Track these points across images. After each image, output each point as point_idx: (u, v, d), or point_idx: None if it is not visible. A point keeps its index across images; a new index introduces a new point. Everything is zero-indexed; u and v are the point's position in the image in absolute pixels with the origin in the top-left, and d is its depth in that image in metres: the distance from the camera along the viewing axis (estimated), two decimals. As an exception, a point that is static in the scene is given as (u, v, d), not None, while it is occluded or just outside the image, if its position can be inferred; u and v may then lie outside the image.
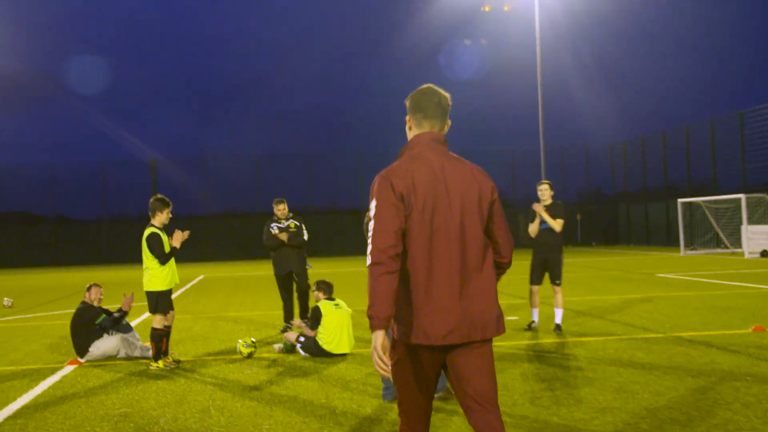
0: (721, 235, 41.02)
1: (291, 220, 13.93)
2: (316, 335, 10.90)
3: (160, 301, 10.34)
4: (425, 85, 4.41)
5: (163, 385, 9.31)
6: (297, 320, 11.74)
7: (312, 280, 12.38)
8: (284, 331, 13.56)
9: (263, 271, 32.66)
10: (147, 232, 10.42)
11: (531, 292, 13.05)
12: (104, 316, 11.29)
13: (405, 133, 4.46)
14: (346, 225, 51.00)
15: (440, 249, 4.05)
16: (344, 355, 10.86)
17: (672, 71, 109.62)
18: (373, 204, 4.07)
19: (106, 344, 11.20)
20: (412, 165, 4.14)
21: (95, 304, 11.50)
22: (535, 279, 12.97)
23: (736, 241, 39.42)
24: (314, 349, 10.85)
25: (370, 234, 4.00)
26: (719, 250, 40.49)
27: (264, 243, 13.98)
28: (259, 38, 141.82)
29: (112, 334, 11.43)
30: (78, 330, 11.22)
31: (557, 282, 12.73)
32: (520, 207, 51.72)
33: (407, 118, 4.40)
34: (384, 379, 8.04)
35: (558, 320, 12.66)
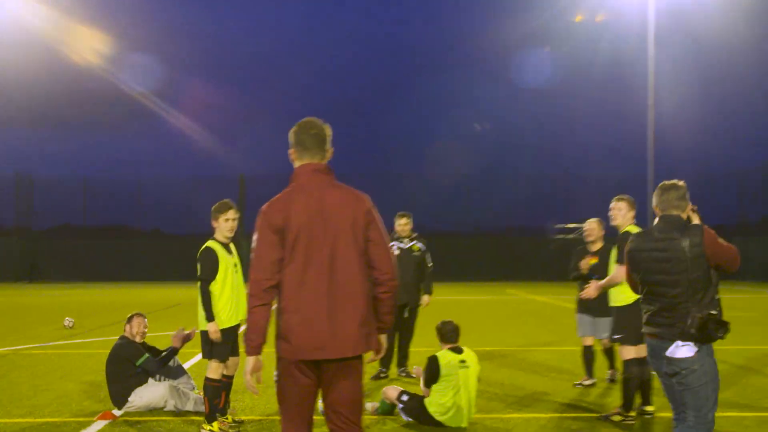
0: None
1: (415, 242, 11.18)
2: (426, 395, 8.13)
3: (217, 344, 7.71)
4: (304, 119, 4.75)
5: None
6: (417, 368, 8.79)
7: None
8: (377, 377, 10.86)
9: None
10: (202, 247, 7.86)
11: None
12: (147, 355, 8.72)
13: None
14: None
15: (311, 275, 4.43)
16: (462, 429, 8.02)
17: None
18: (254, 237, 4.55)
19: (150, 393, 8.62)
20: (291, 197, 4.54)
21: (137, 339, 8.94)
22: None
23: None
24: (421, 415, 8.05)
25: (251, 267, 4.49)
26: None
27: None
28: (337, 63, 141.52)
29: (159, 379, 8.86)
30: (115, 373, 8.69)
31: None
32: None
33: (290, 151, 4.74)
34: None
35: None
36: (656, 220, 5.46)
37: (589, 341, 10.10)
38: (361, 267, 4.50)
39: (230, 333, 7.73)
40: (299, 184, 4.59)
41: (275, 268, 4.42)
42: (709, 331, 4.97)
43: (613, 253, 8.35)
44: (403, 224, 11.08)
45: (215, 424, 7.70)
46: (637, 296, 8.12)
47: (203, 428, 7.73)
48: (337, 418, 4.57)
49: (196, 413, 8.44)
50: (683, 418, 5.20)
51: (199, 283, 7.69)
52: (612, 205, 8.54)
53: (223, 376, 7.84)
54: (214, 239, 7.88)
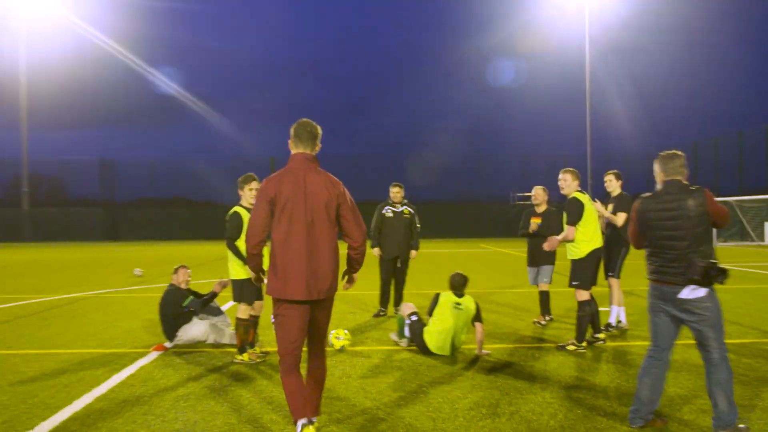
0: (748, 228, 36.69)
1: (405, 206, 10.70)
2: (426, 323, 7.81)
3: (245, 290, 7.32)
4: (302, 119, 4.86)
5: (245, 380, 6.32)
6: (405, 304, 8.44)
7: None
8: (377, 315, 10.48)
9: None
10: (230, 211, 7.44)
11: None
12: (191, 298, 8.32)
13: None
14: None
15: (293, 237, 4.60)
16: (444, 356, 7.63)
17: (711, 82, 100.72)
18: (253, 203, 5.08)
19: (194, 330, 8.24)
20: (284, 176, 4.70)
21: (183, 286, 8.53)
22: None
23: (760, 235, 35.94)
24: (417, 336, 7.72)
25: (249, 223, 4.69)
26: (747, 243, 36.00)
27: (372, 227, 10.63)
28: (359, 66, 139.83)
29: (202, 318, 8.48)
30: (165, 313, 8.29)
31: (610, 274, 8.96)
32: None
33: (289, 141, 4.86)
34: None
35: (620, 318, 9.11)
36: (660, 185, 5.03)
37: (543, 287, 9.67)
38: (331, 234, 4.71)
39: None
40: (291, 167, 4.75)
41: (266, 228, 4.65)
42: (710, 276, 4.64)
43: (564, 216, 7.93)
44: (395, 192, 10.63)
45: (245, 355, 7.33)
46: (590, 250, 7.78)
47: (236, 358, 7.37)
48: (312, 338, 4.86)
49: (231, 346, 8.08)
50: (708, 358, 4.77)
51: (226, 241, 7.31)
52: (560, 176, 8.09)
53: (251, 316, 7.46)
54: (240, 205, 7.47)
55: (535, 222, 9.75)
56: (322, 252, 4.64)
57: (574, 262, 7.84)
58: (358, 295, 13.26)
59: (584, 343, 7.71)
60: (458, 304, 7.63)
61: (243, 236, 7.18)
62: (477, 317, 7.65)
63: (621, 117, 72.08)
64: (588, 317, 7.70)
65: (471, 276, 17.26)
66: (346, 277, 5.05)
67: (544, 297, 9.59)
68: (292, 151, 4.84)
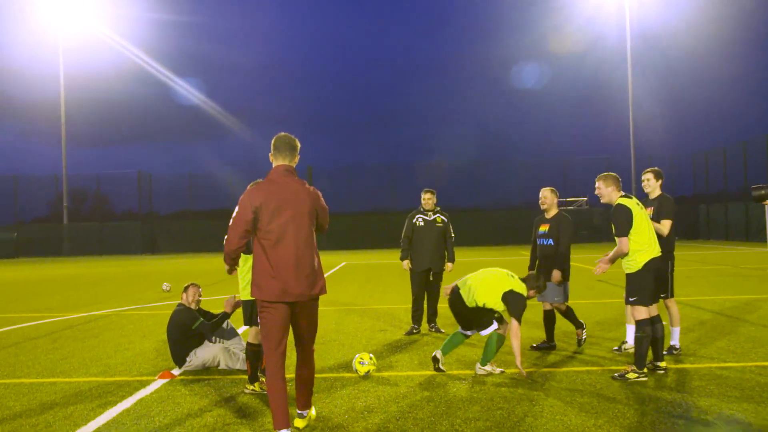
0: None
1: (438, 214, 9.76)
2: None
3: (255, 311, 6.47)
4: (281, 133, 5.15)
5: (253, 414, 5.48)
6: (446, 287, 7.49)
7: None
8: (410, 333, 9.58)
9: (395, 259, 28.67)
10: None
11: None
12: (201, 320, 7.53)
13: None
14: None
15: (281, 241, 4.83)
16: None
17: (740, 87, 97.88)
18: (236, 209, 4.95)
19: (205, 354, 7.46)
20: (267, 186, 4.94)
21: (193, 306, 7.75)
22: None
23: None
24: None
25: (229, 227, 4.95)
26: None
27: (402, 237, 9.80)
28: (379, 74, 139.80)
29: (214, 341, 7.68)
30: (175, 336, 7.51)
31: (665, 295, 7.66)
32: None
33: (270, 154, 5.11)
34: None
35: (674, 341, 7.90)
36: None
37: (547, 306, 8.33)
38: (312, 238, 5.02)
39: None
40: (272, 178, 5.00)
41: (246, 236, 4.90)
42: None
43: (612, 228, 6.89)
44: (427, 198, 9.72)
45: (257, 384, 6.49)
46: (646, 260, 6.72)
47: (246, 387, 6.53)
48: (300, 343, 5.11)
49: (245, 372, 7.26)
50: None
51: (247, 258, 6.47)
52: (595, 184, 7.05)
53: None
54: None
55: (543, 229, 8.44)
56: (307, 257, 4.91)
57: (630, 276, 6.81)
58: (390, 309, 12.36)
59: (645, 370, 6.69)
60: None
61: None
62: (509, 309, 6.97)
63: (663, 119, 70.17)
64: (648, 339, 6.68)
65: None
66: None
67: (568, 312, 8.21)
68: (273, 164, 5.08)
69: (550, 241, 8.20)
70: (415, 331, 9.62)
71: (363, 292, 15.90)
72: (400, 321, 10.81)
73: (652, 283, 6.77)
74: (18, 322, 11.93)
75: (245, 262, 6.46)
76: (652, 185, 7.85)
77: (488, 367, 7.04)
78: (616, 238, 6.79)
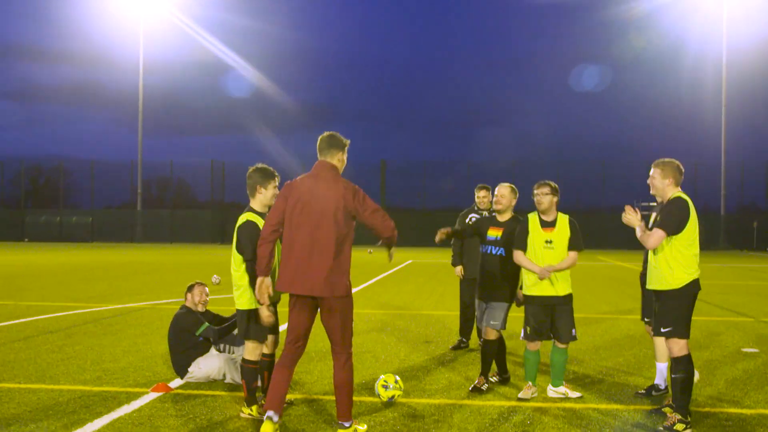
0: None
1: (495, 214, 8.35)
2: None
3: (252, 323, 5.39)
4: (327, 132, 5.10)
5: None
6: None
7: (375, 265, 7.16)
8: (457, 347, 8.35)
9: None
10: (241, 219, 5.50)
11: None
12: (207, 324, 6.52)
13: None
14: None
15: (299, 234, 4.80)
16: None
17: None
18: (275, 200, 5.11)
19: (208, 364, 6.45)
20: (303, 181, 4.94)
21: (199, 308, 6.75)
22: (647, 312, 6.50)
23: None
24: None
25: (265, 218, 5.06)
26: None
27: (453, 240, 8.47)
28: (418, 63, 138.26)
29: (223, 349, 6.66)
30: (175, 343, 6.53)
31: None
32: (698, 215, 43.94)
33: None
34: None
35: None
36: None
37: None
38: (339, 234, 4.80)
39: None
40: (311, 173, 5.00)
41: (280, 223, 4.87)
42: None
43: (653, 218, 5.68)
44: (482, 196, 8.40)
45: (254, 408, 5.40)
46: (690, 280, 5.06)
47: (242, 411, 5.45)
48: (332, 345, 4.95)
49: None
50: None
51: (246, 264, 5.38)
52: (651, 172, 5.62)
53: (263, 355, 5.53)
54: (251, 210, 5.53)
55: (494, 234, 6.62)
56: (322, 253, 4.76)
57: (665, 295, 5.27)
58: (444, 316, 11.14)
59: (689, 417, 5.18)
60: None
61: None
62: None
63: (759, 123, 66.11)
64: (692, 380, 5.22)
65: (585, 296, 14.83)
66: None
67: (489, 348, 6.46)
68: (318, 159, 5.05)
69: (501, 251, 6.45)
70: (462, 345, 8.38)
71: (420, 295, 14.72)
72: (450, 331, 9.59)
73: (692, 310, 5.28)
74: (45, 312, 11.28)
75: (240, 266, 5.39)
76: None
77: (562, 389, 6.04)
78: (658, 232, 5.21)
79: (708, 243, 44.88)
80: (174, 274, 20.14)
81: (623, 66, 77.35)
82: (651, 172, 5.55)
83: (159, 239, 48.99)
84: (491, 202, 8.08)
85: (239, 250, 5.38)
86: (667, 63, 58.94)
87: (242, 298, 5.39)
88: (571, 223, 6.25)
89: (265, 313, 5.11)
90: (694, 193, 48.95)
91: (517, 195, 6.66)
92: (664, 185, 5.43)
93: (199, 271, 21.59)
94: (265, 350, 5.54)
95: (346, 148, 5.07)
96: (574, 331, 6.15)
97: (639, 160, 52.92)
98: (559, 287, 6.10)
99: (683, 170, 5.46)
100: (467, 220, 8.31)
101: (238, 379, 6.35)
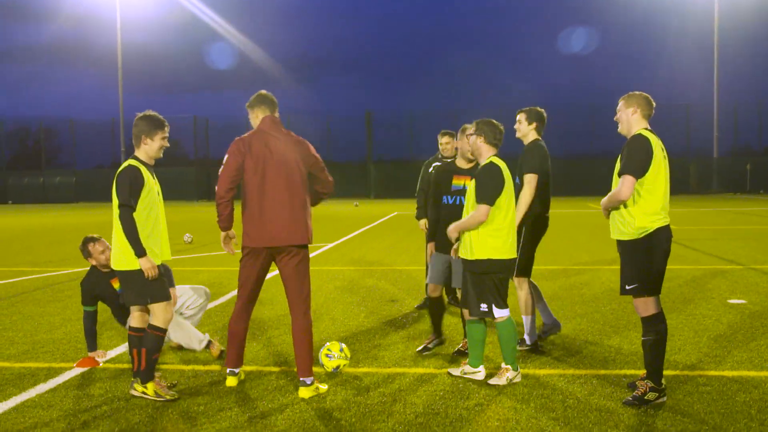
0: None
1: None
2: None
3: (138, 286, 4.79)
4: (262, 90, 5.14)
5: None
6: None
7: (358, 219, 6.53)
8: (422, 306, 7.79)
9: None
10: (122, 167, 4.88)
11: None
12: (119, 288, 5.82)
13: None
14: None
15: (268, 188, 4.84)
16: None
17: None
18: (225, 158, 4.94)
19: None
20: (254, 137, 4.95)
21: (104, 269, 5.82)
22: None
23: None
24: None
25: (219, 176, 4.94)
26: None
27: (418, 190, 7.89)
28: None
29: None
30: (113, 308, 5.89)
31: None
32: (691, 158, 46.21)
33: (249, 110, 5.12)
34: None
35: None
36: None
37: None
38: (302, 184, 4.98)
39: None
40: (259, 129, 5.00)
41: (235, 182, 4.92)
42: None
43: (617, 163, 4.69)
44: (445, 143, 7.69)
45: (149, 386, 4.76)
46: (655, 227, 4.42)
47: (135, 389, 4.82)
48: (290, 299, 5.00)
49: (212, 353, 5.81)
50: None
51: (120, 210, 4.79)
52: (618, 106, 4.83)
53: (134, 329, 4.95)
54: (135, 158, 4.90)
55: (458, 183, 5.91)
56: (287, 204, 4.86)
57: (625, 245, 4.66)
58: (417, 272, 10.56)
59: (663, 385, 4.60)
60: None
61: (143, 206, 4.75)
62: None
63: (752, 64, 65.17)
64: (663, 342, 4.57)
65: (565, 246, 14.23)
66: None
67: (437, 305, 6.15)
68: (255, 118, 5.06)
69: (464, 200, 5.59)
70: (428, 303, 7.83)
71: (396, 249, 14.18)
72: (420, 288, 9.02)
73: (661, 262, 4.62)
74: (1, 278, 10.68)
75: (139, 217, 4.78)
76: (524, 129, 5.98)
77: (469, 369, 5.22)
78: (616, 178, 4.62)
79: (701, 187, 44.51)
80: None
81: (613, 7, 75.64)
82: (617, 108, 4.82)
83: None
84: (455, 149, 7.39)
85: (118, 197, 4.73)
86: (658, 4, 57.20)
87: (121, 257, 4.80)
88: (482, 170, 5.21)
89: (147, 265, 4.63)
90: (687, 136, 48.39)
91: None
92: (629, 116, 4.68)
93: (178, 229, 20.95)
94: (137, 323, 4.94)
95: None
96: (484, 306, 5.08)
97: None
98: (468, 249, 5.15)
99: (654, 104, 4.73)
100: (430, 170, 7.63)
101: (188, 342, 5.78)
